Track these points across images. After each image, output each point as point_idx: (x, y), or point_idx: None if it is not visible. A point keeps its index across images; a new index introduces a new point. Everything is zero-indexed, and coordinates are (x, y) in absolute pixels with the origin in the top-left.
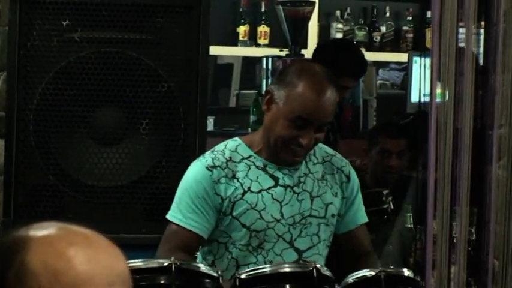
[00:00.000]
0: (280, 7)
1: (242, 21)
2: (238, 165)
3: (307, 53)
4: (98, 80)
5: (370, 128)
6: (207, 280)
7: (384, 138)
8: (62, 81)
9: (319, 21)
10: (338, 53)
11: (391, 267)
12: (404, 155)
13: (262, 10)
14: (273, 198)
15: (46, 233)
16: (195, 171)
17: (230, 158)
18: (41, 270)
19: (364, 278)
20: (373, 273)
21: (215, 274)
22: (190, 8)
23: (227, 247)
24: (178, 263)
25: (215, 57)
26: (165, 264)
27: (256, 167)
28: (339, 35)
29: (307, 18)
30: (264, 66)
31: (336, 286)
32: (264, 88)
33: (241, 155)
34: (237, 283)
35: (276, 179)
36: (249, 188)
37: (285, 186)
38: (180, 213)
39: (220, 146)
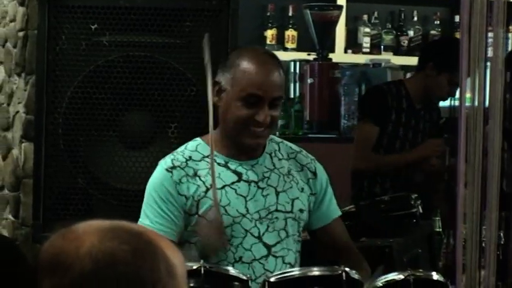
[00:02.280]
0: (308, 11)
1: (270, 25)
2: (199, 164)
3: (335, 56)
4: (126, 84)
5: None
6: (236, 283)
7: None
8: (91, 84)
9: (346, 25)
10: (453, 48)
11: (420, 270)
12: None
13: (290, 14)
14: (237, 194)
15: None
16: (156, 174)
17: (190, 157)
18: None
19: (393, 282)
20: (402, 276)
21: (244, 277)
22: (219, 12)
23: (197, 246)
24: (207, 266)
25: None
26: (194, 267)
27: (218, 164)
28: (366, 39)
29: (334, 22)
30: (292, 70)
31: None
32: (292, 92)
33: (202, 154)
34: (266, 286)
35: (239, 175)
36: (211, 185)
37: (249, 182)
38: (147, 218)
39: (180, 148)
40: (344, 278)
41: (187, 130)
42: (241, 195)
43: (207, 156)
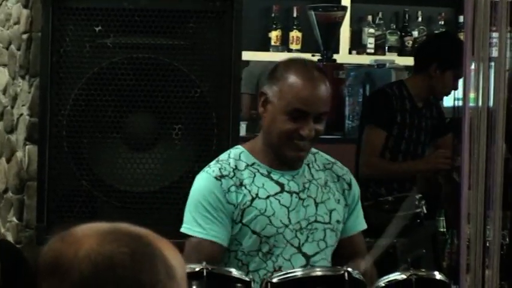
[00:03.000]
0: (312, 12)
1: (274, 26)
2: (243, 173)
3: (339, 57)
4: (130, 86)
5: None
6: (239, 285)
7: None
8: (95, 86)
9: (351, 26)
10: (452, 42)
11: (423, 270)
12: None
13: (294, 15)
14: (281, 204)
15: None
16: (205, 182)
17: (236, 166)
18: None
19: (395, 282)
20: (404, 276)
21: (247, 279)
22: (223, 13)
23: (237, 254)
24: (209, 268)
25: (247, 62)
26: (197, 269)
27: (261, 174)
28: (371, 40)
29: (339, 23)
30: None
31: None
32: None
33: (245, 162)
34: (269, 287)
35: (281, 185)
36: (256, 195)
37: (291, 192)
38: (198, 226)
39: (224, 156)
40: (346, 278)
41: (191, 132)
42: (285, 206)
43: (251, 165)
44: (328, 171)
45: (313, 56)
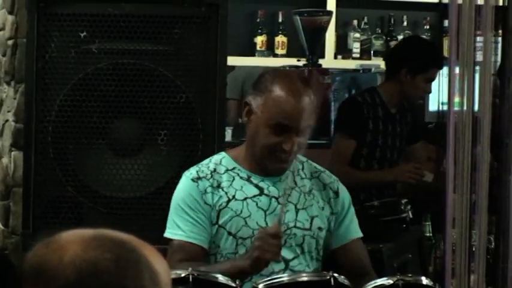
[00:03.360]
0: (298, 17)
1: (259, 31)
2: (222, 176)
3: (325, 62)
4: (115, 92)
5: None
6: None
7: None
8: (80, 92)
9: (336, 30)
10: (420, 47)
11: (409, 275)
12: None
13: (280, 20)
14: (258, 206)
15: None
16: (183, 185)
17: (215, 169)
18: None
19: (382, 287)
20: (391, 281)
21: (233, 284)
22: (208, 19)
23: (216, 257)
24: (195, 274)
25: (233, 67)
26: (183, 275)
27: (241, 177)
28: (356, 45)
29: (324, 28)
30: None
31: None
32: None
33: (226, 167)
34: None
35: (260, 189)
36: (233, 196)
37: (270, 196)
38: (179, 228)
39: (205, 160)
40: (332, 284)
41: (177, 137)
42: (262, 209)
43: (231, 170)
44: (315, 180)
45: (298, 60)
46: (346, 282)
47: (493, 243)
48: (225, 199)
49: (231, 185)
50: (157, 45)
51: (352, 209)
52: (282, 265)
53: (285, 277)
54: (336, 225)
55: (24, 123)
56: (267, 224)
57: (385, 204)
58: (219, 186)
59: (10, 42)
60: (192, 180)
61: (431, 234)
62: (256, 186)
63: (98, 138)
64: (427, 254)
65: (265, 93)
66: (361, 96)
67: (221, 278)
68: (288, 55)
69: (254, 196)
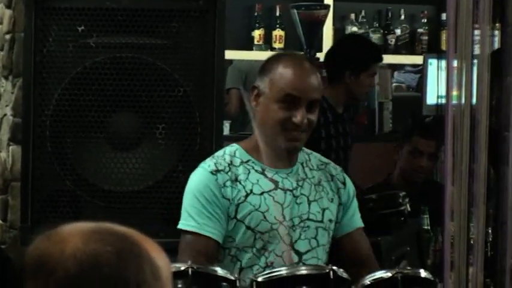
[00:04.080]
0: (295, 11)
1: (257, 25)
2: (238, 169)
3: (323, 56)
4: (113, 85)
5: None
6: (224, 284)
7: (417, 138)
8: (78, 86)
9: (334, 24)
10: (357, 46)
11: (408, 268)
12: (435, 157)
13: (277, 14)
14: (275, 201)
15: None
16: (200, 177)
17: (231, 161)
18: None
19: (381, 280)
20: (389, 274)
21: (232, 277)
22: (206, 13)
23: (230, 251)
24: (195, 267)
25: (231, 61)
26: (182, 268)
27: (256, 171)
28: None
29: (322, 22)
30: None
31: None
32: None
33: (240, 159)
34: (254, 286)
35: (275, 183)
36: (251, 191)
37: (285, 190)
38: (193, 220)
39: (219, 152)
40: (331, 277)
41: (175, 131)
42: (279, 203)
43: (246, 162)
44: (322, 171)
45: None
46: (345, 275)
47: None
48: (243, 193)
49: (247, 178)
50: (155, 39)
51: (356, 200)
52: (295, 258)
53: (283, 270)
54: (342, 215)
55: (22, 118)
56: (284, 217)
57: (383, 197)
58: (236, 179)
59: (8, 36)
60: (211, 172)
61: (429, 227)
62: (271, 180)
63: (96, 132)
64: (425, 246)
65: (271, 71)
66: None
67: (220, 271)
68: (285, 49)
69: (270, 190)
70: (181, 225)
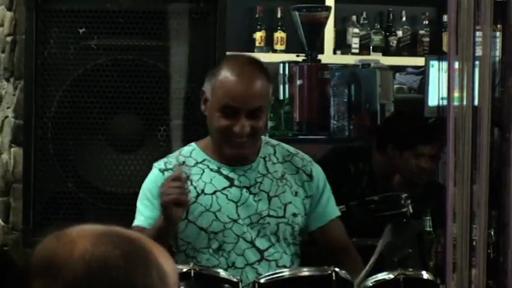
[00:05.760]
0: (296, 13)
1: (258, 27)
2: (192, 169)
3: (324, 58)
4: (115, 87)
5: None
6: (226, 285)
7: (418, 143)
8: (80, 88)
9: (335, 26)
10: (407, 125)
11: (410, 270)
12: (437, 158)
13: (278, 16)
14: (228, 199)
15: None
16: (150, 175)
17: (183, 162)
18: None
19: (383, 281)
20: (392, 276)
21: (235, 279)
22: (207, 14)
23: (188, 254)
24: (197, 269)
25: None
26: (184, 270)
27: (211, 169)
28: (355, 40)
29: (323, 24)
30: (281, 71)
31: None
32: (281, 94)
33: (195, 160)
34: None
35: (231, 180)
36: (202, 191)
37: (241, 187)
38: (141, 215)
39: (175, 152)
40: (334, 278)
41: (176, 133)
42: (232, 201)
43: (201, 162)
44: (288, 164)
45: (297, 56)
46: (347, 276)
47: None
48: (194, 194)
49: (200, 178)
50: (156, 41)
51: (328, 189)
52: (257, 255)
53: (286, 272)
54: (312, 207)
55: (23, 120)
56: (238, 215)
57: (385, 198)
58: (187, 179)
59: (9, 38)
60: (159, 170)
61: (431, 229)
62: (227, 177)
63: (97, 134)
64: (428, 248)
65: (213, 78)
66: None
67: (223, 273)
68: (287, 51)
69: (224, 188)
70: (134, 222)
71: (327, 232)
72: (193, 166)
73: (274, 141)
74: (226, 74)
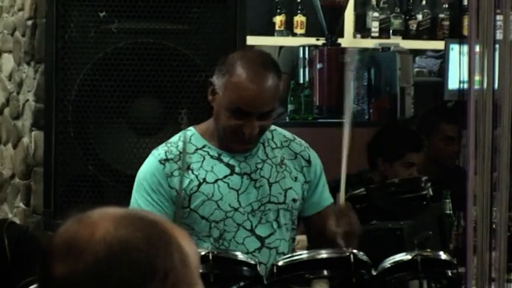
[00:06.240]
0: None
1: (278, 11)
2: (192, 156)
3: (344, 41)
4: (135, 71)
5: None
6: (245, 268)
7: (445, 125)
8: (100, 72)
9: (355, 10)
10: (394, 136)
11: (428, 250)
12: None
13: (298, 0)
14: (230, 187)
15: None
16: (149, 164)
17: (184, 149)
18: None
19: (401, 262)
20: (409, 257)
21: (253, 262)
22: None
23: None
24: (215, 252)
25: (252, 47)
26: (203, 253)
27: (211, 156)
28: (375, 24)
29: (343, 7)
30: (301, 55)
31: (373, 270)
32: (301, 78)
33: (195, 146)
34: (275, 270)
35: (231, 167)
36: (204, 179)
37: (241, 174)
38: (138, 207)
39: (174, 138)
40: (352, 260)
41: (197, 116)
42: (234, 189)
43: (201, 148)
44: (286, 149)
45: (317, 40)
46: (365, 258)
47: None
48: (196, 183)
49: (201, 166)
50: (176, 25)
51: (324, 176)
52: (257, 243)
53: (304, 254)
54: (310, 193)
55: (44, 103)
56: (240, 204)
57: (405, 181)
58: (188, 168)
59: (29, 22)
60: (159, 161)
61: (451, 212)
62: (227, 165)
63: (118, 117)
64: (448, 231)
65: (226, 75)
66: None
67: (241, 256)
68: (306, 34)
69: (225, 177)
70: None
71: (323, 217)
72: (194, 153)
73: (271, 126)
74: (239, 76)
